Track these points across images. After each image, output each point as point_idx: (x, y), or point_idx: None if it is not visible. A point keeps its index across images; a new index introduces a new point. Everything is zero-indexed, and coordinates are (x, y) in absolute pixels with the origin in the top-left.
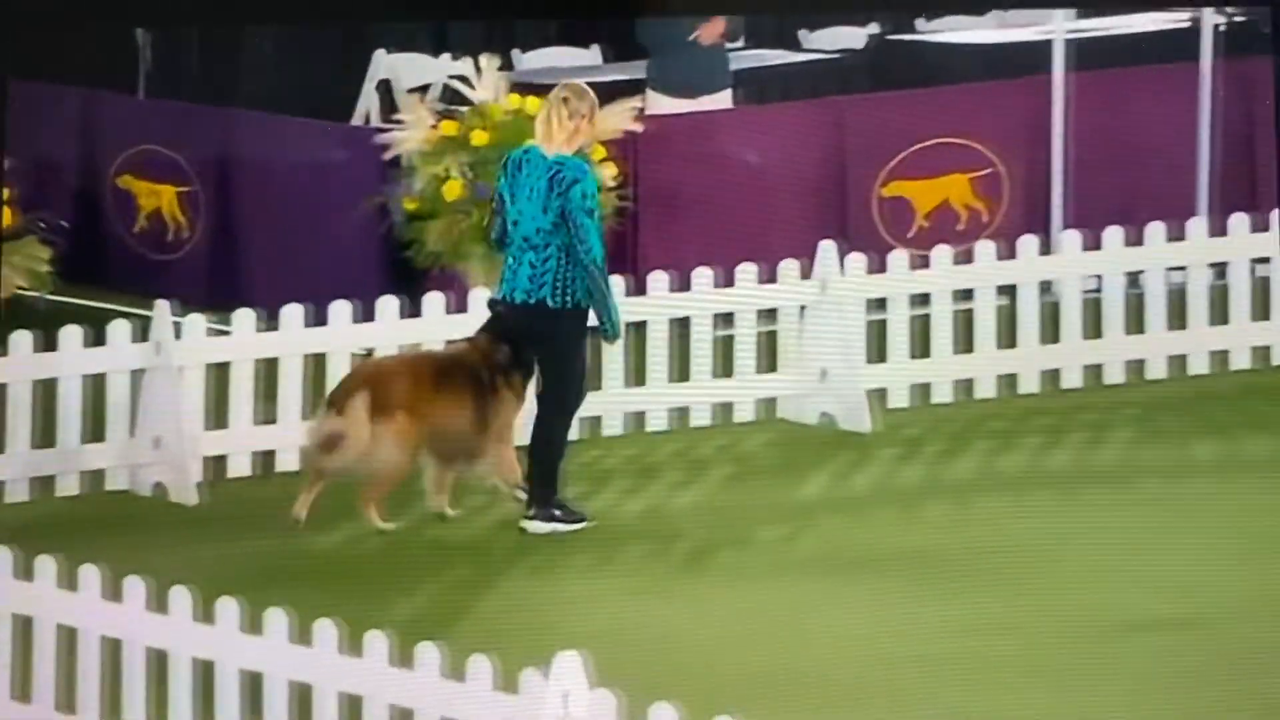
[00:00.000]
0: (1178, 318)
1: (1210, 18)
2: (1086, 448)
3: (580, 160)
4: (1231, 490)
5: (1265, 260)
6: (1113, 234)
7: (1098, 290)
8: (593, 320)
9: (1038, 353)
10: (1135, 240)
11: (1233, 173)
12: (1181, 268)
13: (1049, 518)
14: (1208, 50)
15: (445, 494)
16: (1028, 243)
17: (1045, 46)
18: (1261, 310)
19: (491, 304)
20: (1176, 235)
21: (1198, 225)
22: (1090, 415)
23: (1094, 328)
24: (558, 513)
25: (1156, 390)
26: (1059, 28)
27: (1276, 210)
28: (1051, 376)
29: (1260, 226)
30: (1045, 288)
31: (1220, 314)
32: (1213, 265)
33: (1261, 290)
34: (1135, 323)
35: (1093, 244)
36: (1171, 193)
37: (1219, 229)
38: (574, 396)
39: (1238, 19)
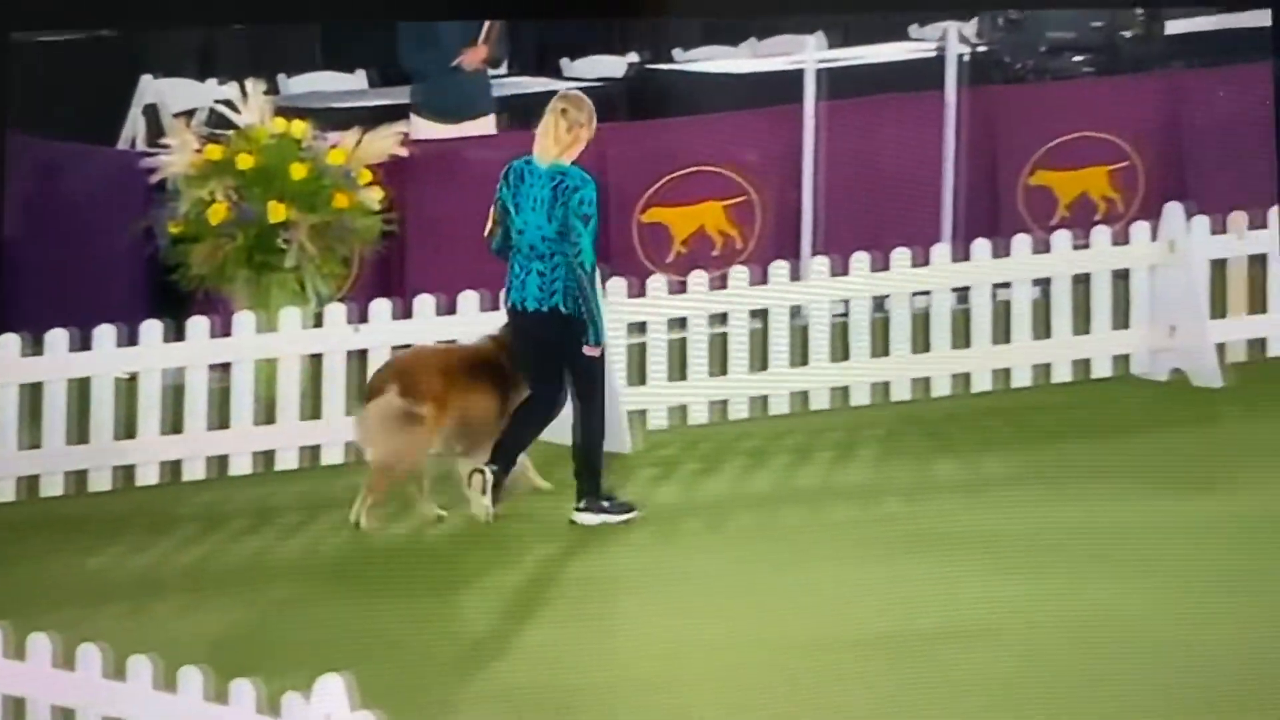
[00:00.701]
0: (922, 341)
1: (955, 47)
2: (833, 466)
3: (581, 170)
4: (973, 508)
5: (1006, 285)
6: (860, 259)
7: (845, 314)
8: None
9: (788, 375)
10: (882, 265)
11: (976, 199)
12: (926, 292)
13: (797, 534)
14: (952, 79)
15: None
16: (778, 268)
17: (797, 76)
18: (1002, 334)
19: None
20: (921, 260)
21: (942, 250)
22: (837, 435)
23: (842, 351)
24: (605, 504)
25: (901, 411)
26: (810, 58)
27: (1276, 209)
28: (801, 398)
29: (1001, 252)
30: (795, 312)
31: (963, 338)
32: (955, 290)
33: (1003, 314)
34: (881, 346)
35: (841, 269)
36: (918, 218)
37: (962, 254)
38: (600, 391)
39: (980, 49)
